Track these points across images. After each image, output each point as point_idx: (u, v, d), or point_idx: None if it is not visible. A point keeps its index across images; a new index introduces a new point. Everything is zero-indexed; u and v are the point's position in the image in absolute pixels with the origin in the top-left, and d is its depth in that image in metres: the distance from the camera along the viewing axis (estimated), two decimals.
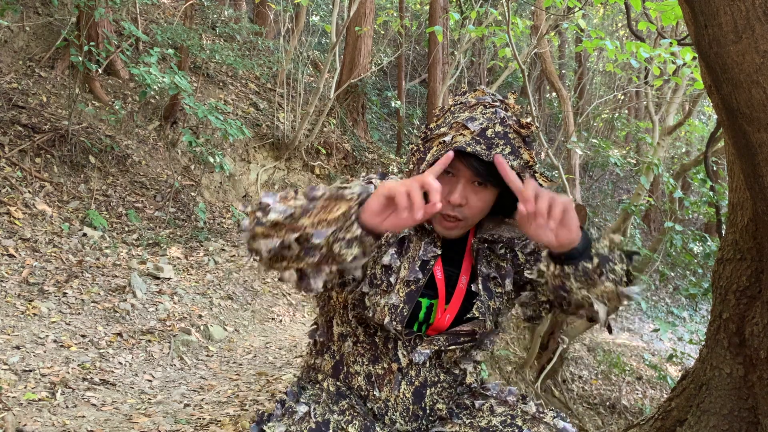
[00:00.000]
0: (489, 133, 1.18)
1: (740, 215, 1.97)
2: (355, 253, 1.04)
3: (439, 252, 1.27)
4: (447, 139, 1.19)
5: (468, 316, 1.27)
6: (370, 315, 1.23)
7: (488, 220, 1.33)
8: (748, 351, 1.89)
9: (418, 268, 1.25)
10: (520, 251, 1.33)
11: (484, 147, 1.16)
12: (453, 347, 1.28)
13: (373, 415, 1.29)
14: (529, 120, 1.24)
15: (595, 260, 1.11)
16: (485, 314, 1.26)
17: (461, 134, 1.18)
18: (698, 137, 8.88)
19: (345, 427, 1.16)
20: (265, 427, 1.16)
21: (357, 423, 1.19)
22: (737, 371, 1.94)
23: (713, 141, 3.14)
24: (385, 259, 1.26)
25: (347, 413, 1.20)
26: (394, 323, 1.22)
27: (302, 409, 1.19)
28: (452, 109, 1.27)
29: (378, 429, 1.21)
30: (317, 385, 1.31)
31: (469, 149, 1.15)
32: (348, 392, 1.29)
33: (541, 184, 1.21)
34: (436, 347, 1.26)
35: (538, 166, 1.24)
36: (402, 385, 1.28)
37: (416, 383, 1.28)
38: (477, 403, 1.29)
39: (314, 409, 1.19)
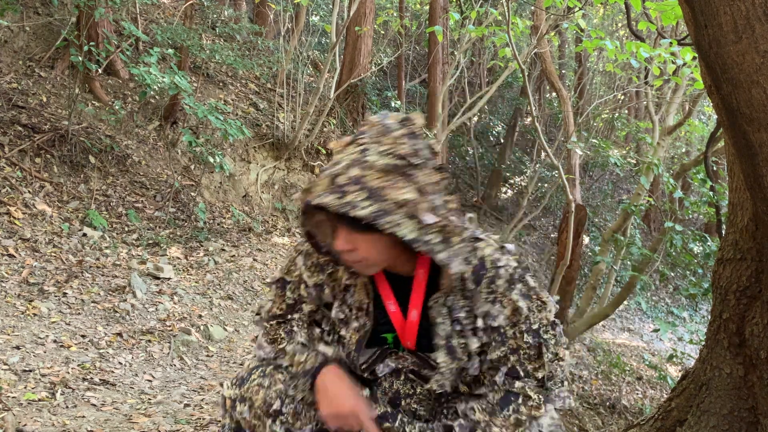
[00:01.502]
0: (341, 179, 1.08)
1: (740, 215, 1.97)
2: None
3: (373, 294, 1.28)
4: (299, 195, 1.14)
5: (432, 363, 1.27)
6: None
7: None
8: (748, 351, 1.89)
9: (364, 315, 1.27)
10: (482, 318, 1.22)
11: (338, 195, 1.06)
12: (421, 371, 1.28)
13: None
14: (412, 148, 1.11)
15: None
16: (443, 384, 1.25)
17: (317, 184, 1.11)
18: (698, 137, 8.89)
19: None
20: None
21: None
22: (737, 371, 1.94)
23: (713, 141, 3.14)
24: (333, 314, 1.30)
25: None
26: (353, 367, 1.29)
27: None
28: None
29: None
30: None
31: (314, 202, 1.08)
32: None
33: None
34: (401, 366, 1.28)
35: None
36: (377, 395, 1.31)
37: (390, 394, 1.30)
38: (456, 407, 1.30)
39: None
